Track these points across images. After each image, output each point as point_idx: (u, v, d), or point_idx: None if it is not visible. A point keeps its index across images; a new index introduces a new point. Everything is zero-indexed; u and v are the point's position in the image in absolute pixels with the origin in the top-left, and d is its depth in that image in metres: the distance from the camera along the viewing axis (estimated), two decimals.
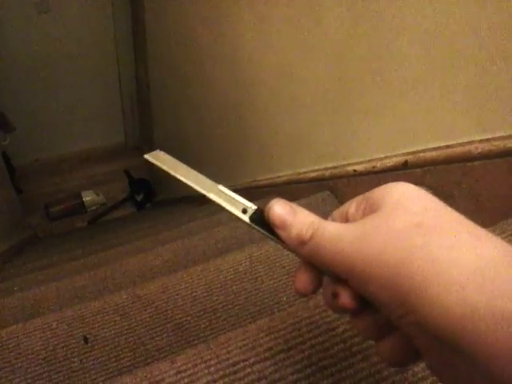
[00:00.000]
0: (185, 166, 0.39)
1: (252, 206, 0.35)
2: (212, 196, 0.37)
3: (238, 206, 0.36)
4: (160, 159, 0.40)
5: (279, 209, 0.33)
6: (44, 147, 3.45)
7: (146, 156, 0.41)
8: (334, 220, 0.33)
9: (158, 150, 0.41)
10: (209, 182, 0.38)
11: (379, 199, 0.29)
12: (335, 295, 0.30)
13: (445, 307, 0.23)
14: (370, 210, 0.30)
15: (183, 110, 2.53)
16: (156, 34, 2.63)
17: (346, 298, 0.30)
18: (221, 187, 0.37)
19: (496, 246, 0.25)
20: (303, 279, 0.33)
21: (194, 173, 0.39)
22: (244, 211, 0.35)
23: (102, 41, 3.08)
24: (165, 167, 0.39)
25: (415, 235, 0.26)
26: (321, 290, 0.33)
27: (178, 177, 0.38)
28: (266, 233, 0.34)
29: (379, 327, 0.30)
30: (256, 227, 0.34)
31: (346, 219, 0.32)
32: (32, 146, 3.36)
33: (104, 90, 3.36)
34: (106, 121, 3.57)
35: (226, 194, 0.37)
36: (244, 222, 0.35)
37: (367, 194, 0.31)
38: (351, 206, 0.32)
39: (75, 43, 3.01)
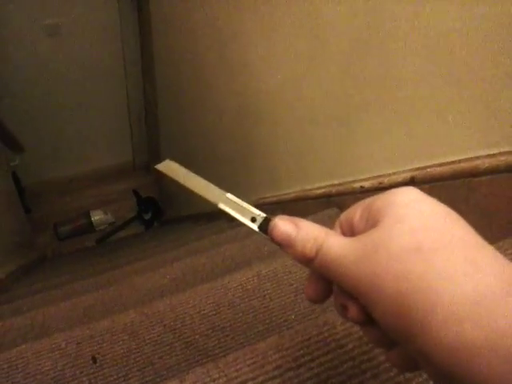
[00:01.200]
0: (194, 176, 0.39)
1: (261, 214, 0.35)
2: (221, 205, 0.37)
3: (247, 214, 0.36)
4: (170, 169, 0.41)
5: (282, 227, 0.33)
6: (53, 167, 3.48)
7: (157, 166, 0.41)
8: (341, 226, 0.33)
9: (167, 160, 0.41)
10: (218, 191, 0.38)
11: (381, 210, 0.28)
12: (344, 307, 0.30)
13: (444, 341, 0.23)
14: (373, 221, 0.29)
15: (191, 129, 2.55)
16: (163, 54, 2.67)
17: (354, 312, 0.29)
18: (229, 195, 0.37)
19: (495, 274, 0.24)
20: (313, 288, 0.33)
21: (203, 182, 0.39)
22: (253, 220, 0.35)
23: (111, 61, 3.12)
24: (175, 177, 0.40)
25: (414, 261, 0.25)
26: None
27: (187, 186, 0.39)
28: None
29: (388, 339, 0.29)
30: (266, 236, 0.34)
31: (351, 227, 0.32)
32: (41, 166, 3.39)
33: (112, 110, 3.40)
34: (114, 140, 3.60)
35: (235, 203, 0.37)
36: (254, 230, 0.35)
37: (371, 202, 0.30)
38: (356, 213, 0.31)
39: (84, 64, 3.05)
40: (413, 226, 0.26)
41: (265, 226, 0.35)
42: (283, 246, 0.32)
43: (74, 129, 3.35)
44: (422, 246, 0.25)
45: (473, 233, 0.26)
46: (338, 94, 1.08)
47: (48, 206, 3.43)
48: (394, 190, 0.29)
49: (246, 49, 1.50)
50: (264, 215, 0.35)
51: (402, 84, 0.88)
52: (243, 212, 0.36)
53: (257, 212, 0.36)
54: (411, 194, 0.29)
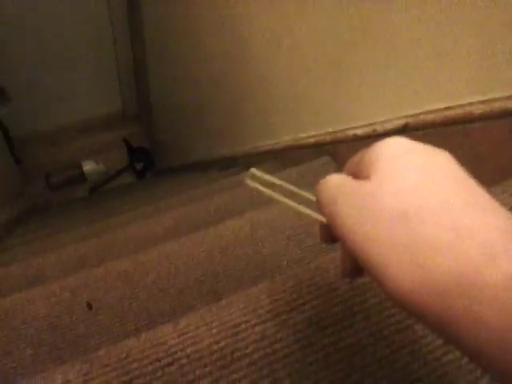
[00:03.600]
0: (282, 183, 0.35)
1: None
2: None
3: None
4: (258, 179, 0.36)
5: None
6: (42, 117, 3.42)
7: (247, 182, 0.36)
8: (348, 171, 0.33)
9: (252, 169, 0.36)
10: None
11: (370, 164, 0.27)
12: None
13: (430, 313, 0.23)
14: (365, 174, 0.28)
15: (181, 77, 2.49)
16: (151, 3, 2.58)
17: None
18: None
19: (474, 243, 0.22)
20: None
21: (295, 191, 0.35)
22: None
23: (96, 7, 3.01)
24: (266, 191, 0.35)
25: (400, 229, 0.24)
26: None
27: (283, 200, 0.34)
28: None
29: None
30: None
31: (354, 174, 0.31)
32: (30, 117, 3.33)
33: (99, 58, 3.31)
34: (102, 89, 3.53)
35: None
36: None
37: (364, 152, 0.29)
38: (353, 162, 0.31)
39: (69, 11, 2.95)
40: (399, 186, 0.25)
41: None
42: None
43: (62, 78, 3.26)
44: (407, 210, 0.24)
45: (464, 188, 0.25)
46: (332, 37, 1.05)
47: (38, 156, 3.39)
48: (381, 142, 0.28)
49: None
50: None
51: (394, 30, 0.85)
52: None
53: None
54: (400, 145, 0.27)
